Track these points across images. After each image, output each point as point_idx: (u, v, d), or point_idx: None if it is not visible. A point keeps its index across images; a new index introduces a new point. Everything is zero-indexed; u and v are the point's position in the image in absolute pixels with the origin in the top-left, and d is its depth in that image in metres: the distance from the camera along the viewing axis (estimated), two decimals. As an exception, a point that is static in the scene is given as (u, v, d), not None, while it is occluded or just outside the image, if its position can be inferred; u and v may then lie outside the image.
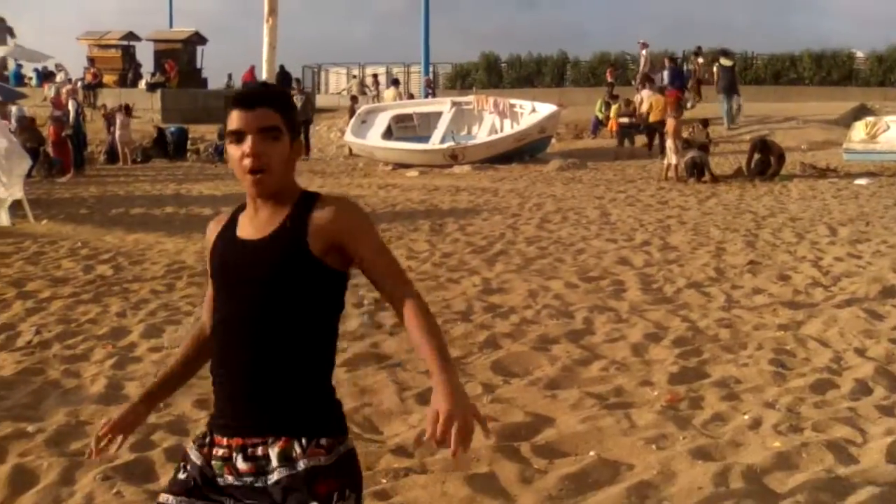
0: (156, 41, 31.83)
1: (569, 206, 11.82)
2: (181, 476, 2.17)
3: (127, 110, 21.95)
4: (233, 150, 2.11)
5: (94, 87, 29.58)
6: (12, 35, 37.51)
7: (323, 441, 2.10)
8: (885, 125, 15.83)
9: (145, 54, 32.78)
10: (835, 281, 6.77)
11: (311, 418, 2.13)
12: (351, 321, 5.65)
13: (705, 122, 16.52)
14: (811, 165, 16.13)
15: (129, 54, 32.39)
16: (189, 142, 24.58)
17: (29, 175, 13.04)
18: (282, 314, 2.12)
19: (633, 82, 26.04)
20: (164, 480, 3.34)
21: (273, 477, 2.08)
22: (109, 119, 22.48)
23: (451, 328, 5.45)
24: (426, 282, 6.86)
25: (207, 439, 2.18)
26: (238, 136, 2.10)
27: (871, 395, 4.17)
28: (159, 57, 31.05)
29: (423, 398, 4.07)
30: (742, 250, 8.09)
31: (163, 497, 2.15)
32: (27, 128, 18.02)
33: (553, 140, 21.74)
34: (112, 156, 22.52)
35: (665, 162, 15.31)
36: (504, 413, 3.98)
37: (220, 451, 2.13)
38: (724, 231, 9.31)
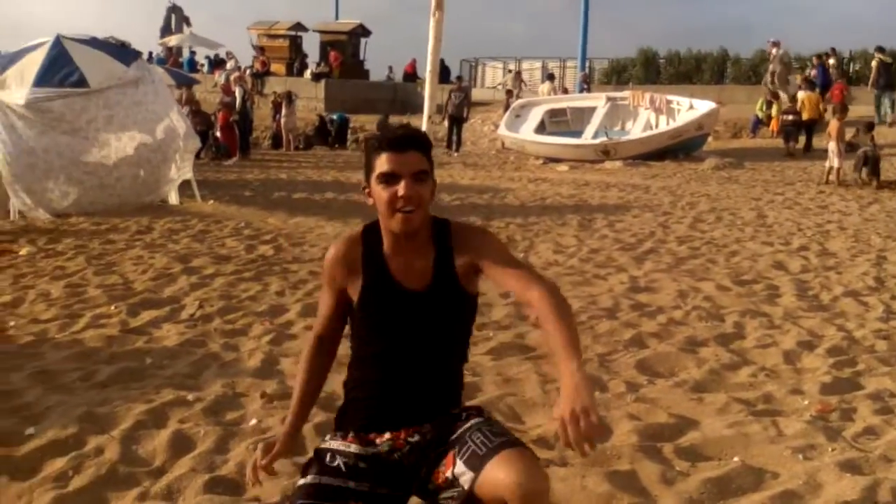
0: (322, 32, 32.88)
1: (723, 206, 11.53)
2: (331, 464, 2.41)
3: (289, 98, 22.75)
4: (382, 191, 2.32)
5: (262, 75, 30.81)
6: (188, 24, 39.60)
7: (473, 406, 2.55)
8: None
9: (311, 45, 33.98)
10: None
11: (457, 397, 2.54)
12: (497, 310, 5.74)
13: (870, 126, 15.69)
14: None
15: (296, 44, 33.60)
16: (350, 131, 25.28)
17: (197, 157, 13.76)
18: (442, 345, 2.48)
19: (764, 81, 25.06)
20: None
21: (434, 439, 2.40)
22: (276, 106, 23.37)
23: (596, 324, 5.45)
24: (572, 276, 6.87)
25: (351, 439, 2.46)
26: (390, 178, 2.31)
27: None
28: (324, 47, 32.07)
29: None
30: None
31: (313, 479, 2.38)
32: (197, 111, 18.98)
33: (710, 138, 21.20)
34: (276, 141, 23.45)
35: (826, 165, 14.68)
36: (648, 413, 3.96)
37: (385, 439, 2.44)
38: (885, 239, 8.88)
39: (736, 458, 3.44)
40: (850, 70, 24.62)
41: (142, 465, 3.46)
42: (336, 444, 2.47)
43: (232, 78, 23.47)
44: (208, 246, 8.35)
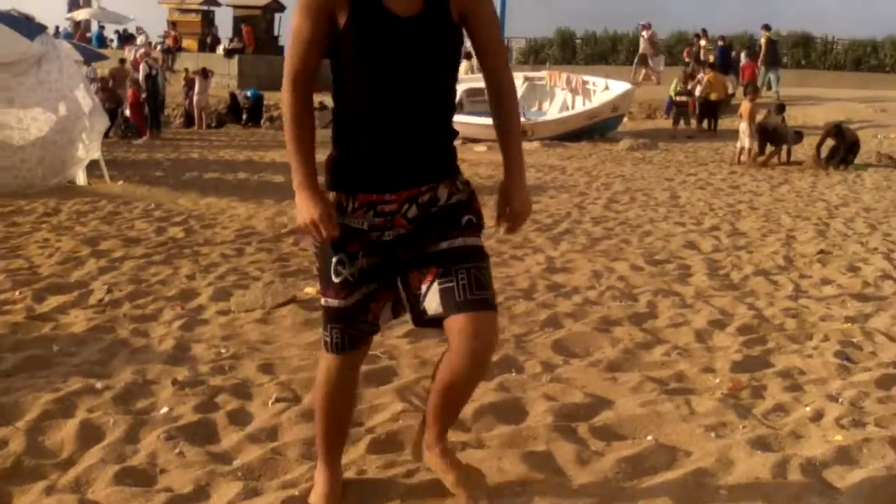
0: (235, 7, 32.26)
1: (637, 186, 11.72)
2: (360, 264, 2.63)
3: (205, 74, 22.26)
4: None
5: (174, 51, 30.08)
6: (97, -3, 38.39)
7: (463, 179, 2.74)
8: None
9: (225, 20, 33.27)
10: (908, 275, 6.62)
11: (452, 163, 2.72)
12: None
13: (781, 107, 16.15)
14: (888, 156, 15.67)
15: (208, 19, 32.92)
16: (264, 108, 24.88)
17: (106, 136, 13.39)
18: (435, 78, 2.56)
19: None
20: (227, 443, 3.45)
21: (440, 204, 2.65)
22: (189, 83, 22.85)
23: (512, 305, 5.47)
24: (490, 258, 6.86)
25: (352, 205, 2.61)
26: None
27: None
28: (238, 23, 31.48)
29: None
30: (813, 239, 7.94)
31: (344, 301, 2.65)
32: (105, 88, 18.44)
33: (625, 119, 21.51)
34: (189, 120, 22.96)
35: (738, 145, 15.06)
36: (563, 393, 3.99)
37: (388, 207, 2.60)
38: (795, 219, 9.14)
39: (649, 437, 3.49)
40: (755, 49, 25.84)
41: (48, 457, 3.34)
42: (346, 223, 2.60)
43: (138, 54, 22.89)
44: (117, 228, 8.13)
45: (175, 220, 8.57)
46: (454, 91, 2.69)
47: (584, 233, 8.17)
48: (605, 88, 19.93)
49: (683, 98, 20.68)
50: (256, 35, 30.70)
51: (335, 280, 2.64)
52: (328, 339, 2.73)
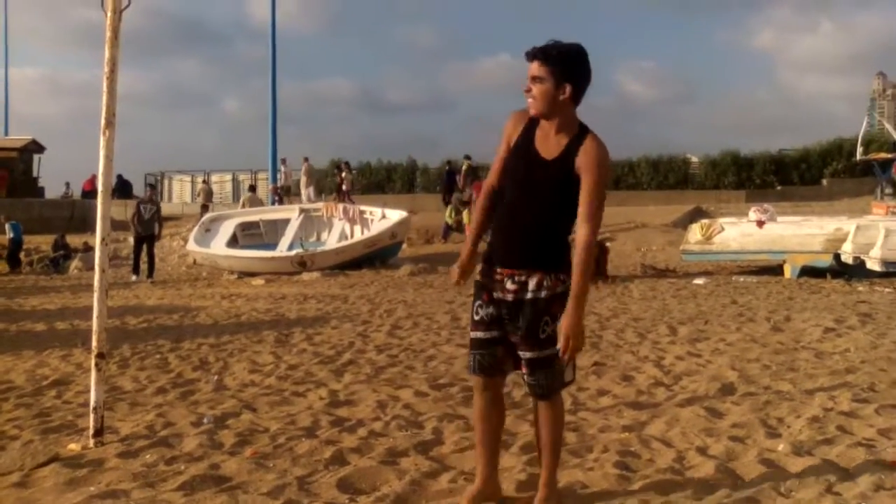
0: (-11, 147, 30.63)
1: (420, 311, 11.82)
2: (487, 311, 3.93)
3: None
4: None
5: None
6: None
7: (562, 275, 3.77)
8: (719, 227, 16.74)
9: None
10: (676, 380, 6.95)
11: (555, 263, 3.79)
12: (189, 441, 5.35)
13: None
14: (651, 266, 16.81)
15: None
16: (23, 252, 23.44)
17: None
18: (550, 203, 3.74)
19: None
20: None
21: (529, 296, 3.78)
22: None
23: (295, 445, 5.22)
24: (270, 396, 6.61)
25: (488, 270, 3.92)
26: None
27: (714, 495, 4.21)
28: (-8, 165, 29.83)
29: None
30: (587, 352, 8.21)
31: (478, 333, 3.97)
32: None
33: (404, 245, 21.95)
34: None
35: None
36: (349, 535, 3.78)
37: (497, 276, 3.86)
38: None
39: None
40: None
41: None
42: (481, 279, 3.96)
43: None
44: None
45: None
46: (570, 218, 3.78)
47: (369, 362, 8.07)
48: (382, 217, 20.31)
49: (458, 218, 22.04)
50: (13, 178, 29.17)
51: (475, 318, 3.97)
52: (470, 362, 4.01)
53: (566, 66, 3.69)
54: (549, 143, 3.77)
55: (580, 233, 3.66)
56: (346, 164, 31.29)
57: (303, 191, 29.56)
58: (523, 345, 3.82)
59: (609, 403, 6.19)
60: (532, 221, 3.74)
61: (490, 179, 3.98)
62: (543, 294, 3.76)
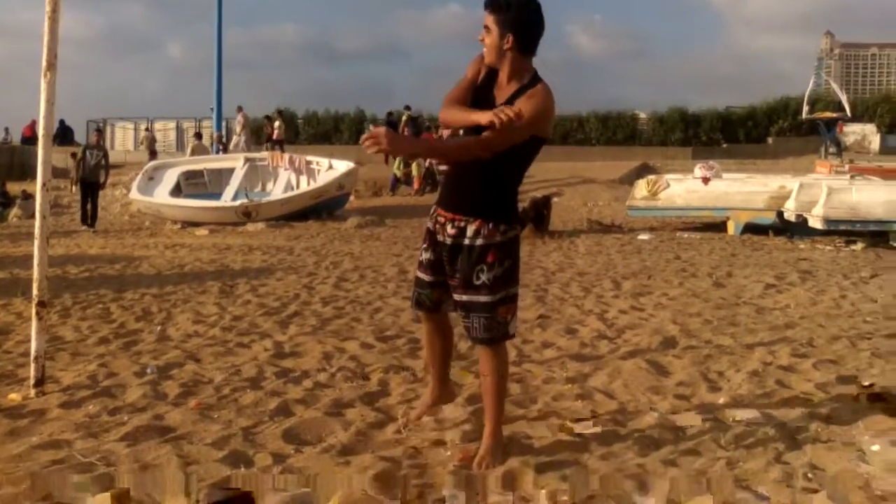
0: None
1: (367, 263, 11.78)
2: (427, 256, 4.15)
3: None
4: None
5: None
6: None
7: (501, 226, 3.89)
8: (665, 183, 16.87)
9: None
10: (619, 333, 7.04)
11: (496, 212, 3.90)
12: (132, 392, 5.29)
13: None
14: (597, 222, 16.93)
15: None
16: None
17: None
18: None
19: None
20: None
21: (466, 242, 3.91)
22: None
23: (240, 396, 5.19)
24: (214, 347, 6.55)
25: (434, 212, 4.08)
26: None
27: (655, 446, 4.29)
28: None
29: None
30: (533, 305, 8.28)
31: (420, 274, 4.24)
32: None
33: (351, 197, 21.79)
34: None
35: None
36: (295, 484, 3.78)
37: (441, 220, 4.02)
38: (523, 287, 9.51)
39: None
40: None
41: None
42: (428, 220, 4.14)
43: None
44: None
45: None
46: (521, 171, 3.97)
47: (314, 314, 8.03)
48: (329, 167, 20.10)
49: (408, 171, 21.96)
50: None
51: (420, 259, 4.23)
52: (412, 297, 4.34)
53: (510, 15, 3.75)
54: (501, 91, 3.86)
55: (481, 136, 3.71)
56: (280, 112, 30.98)
57: (234, 139, 29.18)
58: (459, 288, 3.97)
59: (553, 356, 6.25)
60: (477, 168, 3.81)
61: (456, 91, 3.98)
62: (479, 242, 3.86)
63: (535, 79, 3.85)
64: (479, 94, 3.92)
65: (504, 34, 3.77)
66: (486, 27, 3.82)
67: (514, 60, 3.83)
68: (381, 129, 3.65)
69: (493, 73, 3.93)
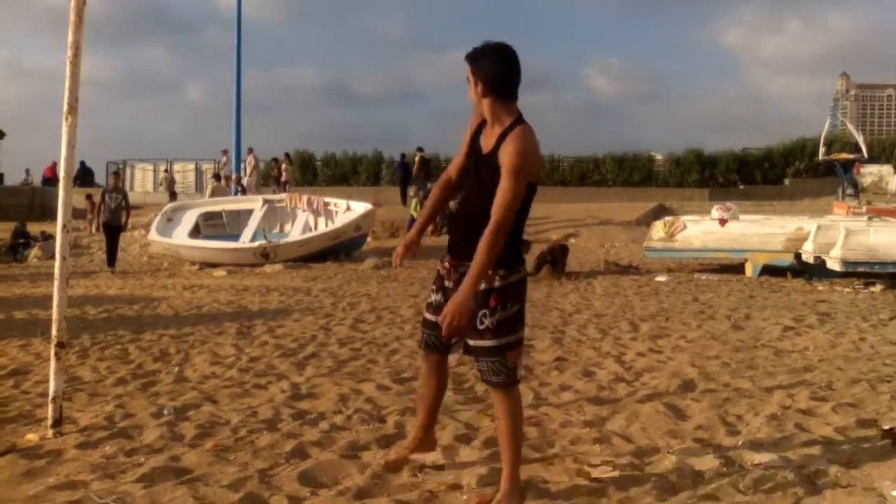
0: None
1: (383, 305, 11.80)
2: (437, 298, 4.25)
3: None
4: None
5: None
6: None
7: (500, 271, 3.92)
8: (682, 224, 16.86)
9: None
10: (637, 376, 7.00)
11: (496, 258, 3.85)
12: (149, 433, 5.30)
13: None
14: (614, 263, 16.90)
15: None
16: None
17: None
18: (490, 196, 3.82)
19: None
20: None
21: None
22: None
23: (256, 438, 5.19)
24: (231, 388, 6.56)
25: (445, 257, 4.21)
26: None
27: (673, 492, 4.25)
28: None
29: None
30: (550, 347, 8.27)
31: (429, 315, 4.29)
32: None
33: (369, 238, 21.89)
34: None
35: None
36: (310, 529, 3.77)
37: (447, 265, 4.18)
38: (532, 328, 9.50)
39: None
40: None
41: None
42: (439, 265, 4.27)
43: None
44: None
45: None
46: (521, 219, 3.96)
47: (331, 355, 8.03)
48: (346, 209, 20.22)
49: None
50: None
51: (429, 300, 4.33)
52: (420, 338, 4.45)
53: (479, 64, 3.91)
54: (487, 138, 3.98)
55: (490, 221, 3.78)
56: (287, 155, 31.30)
57: (245, 180, 29.44)
58: (467, 333, 4.02)
59: (570, 398, 6.22)
60: (475, 214, 3.90)
61: (448, 170, 4.32)
62: (481, 286, 3.90)
63: (518, 121, 3.92)
64: (470, 146, 4.07)
65: (477, 82, 3.92)
66: (467, 78, 3.96)
67: (492, 105, 3.93)
68: (451, 308, 3.81)
69: (483, 122, 4.06)
